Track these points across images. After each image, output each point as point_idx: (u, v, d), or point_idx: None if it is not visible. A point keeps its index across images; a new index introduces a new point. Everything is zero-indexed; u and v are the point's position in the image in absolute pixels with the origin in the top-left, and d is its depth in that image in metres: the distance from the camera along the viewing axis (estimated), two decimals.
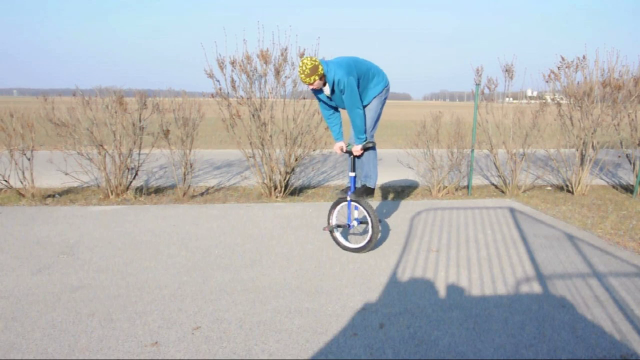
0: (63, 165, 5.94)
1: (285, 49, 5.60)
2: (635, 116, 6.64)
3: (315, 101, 5.95)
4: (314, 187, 6.95)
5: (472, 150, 6.40)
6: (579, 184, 6.51)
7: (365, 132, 3.84)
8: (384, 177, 7.83)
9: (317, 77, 3.55)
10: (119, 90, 5.75)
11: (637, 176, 6.55)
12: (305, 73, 3.51)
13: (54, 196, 5.90)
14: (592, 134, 6.35)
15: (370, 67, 3.84)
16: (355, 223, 4.04)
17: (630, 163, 6.78)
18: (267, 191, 6.06)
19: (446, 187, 6.46)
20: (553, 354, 2.39)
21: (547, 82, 6.52)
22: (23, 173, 5.69)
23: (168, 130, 5.84)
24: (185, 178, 5.97)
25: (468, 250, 4.02)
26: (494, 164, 6.65)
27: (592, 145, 6.42)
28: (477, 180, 7.41)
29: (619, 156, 7.62)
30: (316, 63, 3.52)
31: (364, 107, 3.88)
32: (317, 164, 7.35)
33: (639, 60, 18.14)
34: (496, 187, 7.03)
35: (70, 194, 6.08)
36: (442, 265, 3.65)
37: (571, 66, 6.34)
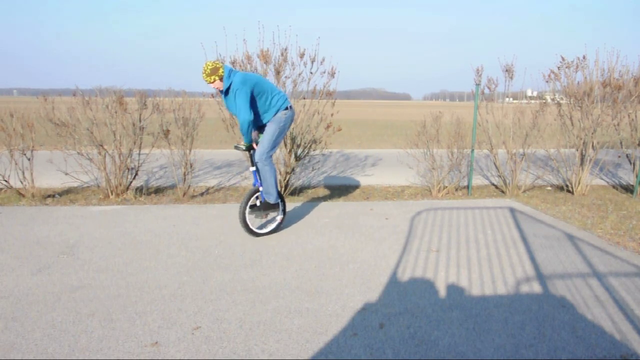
0: (63, 165, 5.94)
1: (285, 49, 5.61)
2: (635, 116, 6.64)
3: (315, 101, 5.96)
4: (314, 187, 6.95)
5: (472, 150, 6.40)
6: (579, 184, 6.51)
7: (247, 136, 4.09)
8: (384, 177, 7.83)
9: (217, 77, 3.93)
10: (119, 90, 5.75)
11: (637, 176, 6.55)
12: (207, 73, 3.91)
13: (54, 196, 5.90)
14: (592, 134, 6.35)
15: (271, 90, 4.14)
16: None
17: (630, 163, 6.78)
18: None
19: (446, 187, 6.46)
20: (553, 354, 2.39)
21: (547, 82, 6.52)
22: (23, 173, 5.69)
23: (168, 130, 5.84)
24: (185, 178, 5.97)
25: (468, 250, 4.02)
26: (494, 164, 6.65)
27: (592, 145, 6.42)
28: (477, 180, 7.41)
29: (619, 156, 7.62)
30: (218, 65, 3.92)
31: (264, 125, 4.24)
32: (317, 164, 7.35)
33: (639, 60, 18.15)
34: (496, 187, 7.03)
35: (70, 194, 6.08)
36: (442, 265, 3.65)
37: (571, 66, 6.34)
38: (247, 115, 3.95)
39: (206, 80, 3.95)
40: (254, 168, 4.33)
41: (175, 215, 5.10)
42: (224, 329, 2.61)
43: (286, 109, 4.20)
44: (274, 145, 4.21)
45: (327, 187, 6.99)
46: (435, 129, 6.28)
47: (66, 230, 4.43)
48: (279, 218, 4.51)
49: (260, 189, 4.33)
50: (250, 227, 4.29)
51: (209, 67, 3.90)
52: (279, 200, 4.41)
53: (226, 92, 4.05)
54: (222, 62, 3.99)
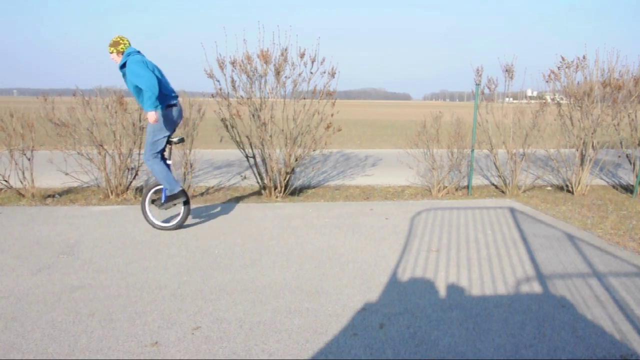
0: (63, 165, 5.93)
1: (286, 49, 5.60)
2: (635, 116, 6.64)
3: (315, 101, 5.96)
4: (314, 187, 6.95)
5: (472, 150, 6.40)
6: (579, 184, 6.51)
7: (157, 99, 4.07)
8: (384, 177, 7.84)
9: (115, 50, 4.12)
10: (119, 90, 5.75)
11: (637, 176, 6.55)
12: (110, 44, 4.14)
13: (54, 196, 5.90)
14: (592, 134, 6.35)
15: (166, 83, 4.27)
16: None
17: (630, 163, 6.78)
18: (267, 191, 6.06)
19: (446, 187, 6.46)
20: (553, 354, 2.39)
21: (547, 82, 6.52)
22: (23, 173, 5.69)
23: None
24: (185, 178, 5.97)
25: (468, 250, 4.02)
26: (494, 164, 6.65)
27: (592, 145, 6.42)
28: (477, 180, 7.41)
29: (619, 156, 7.62)
30: (121, 41, 4.12)
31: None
32: (317, 164, 7.36)
33: (639, 60, 18.16)
34: (496, 187, 7.03)
35: (70, 194, 6.08)
36: (442, 265, 3.65)
37: (571, 66, 6.34)
38: (152, 79, 3.97)
39: (108, 50, 4.17)
40: (170, 162, 4.53)
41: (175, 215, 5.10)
42: (224, 329, 2.61)
43: (166, 107, 4.24)
44: (154, 144, 4.28)
45: (327, 187, 6.99)
46: (435, 129, 6.28)
47: (66, 230, 4.43)
48: (182, 213, 4.51)
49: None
50: (152, 220, 4.49)
51: (113, 40, 4.13)
52: (181, 188, 4.41)
53: (122, 69, 4.16)
54: (129, 43, 4.17)
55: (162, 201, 4.47)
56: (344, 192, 6.56)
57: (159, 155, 4.36)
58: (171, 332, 2.57)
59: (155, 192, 4.55)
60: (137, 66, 4.02)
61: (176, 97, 4.37)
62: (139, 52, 4.19)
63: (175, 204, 4.46)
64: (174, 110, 4.30)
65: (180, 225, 4.54)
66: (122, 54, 4.13)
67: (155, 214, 4.63)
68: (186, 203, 4.52)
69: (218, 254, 3.87)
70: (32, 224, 4.63)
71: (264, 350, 2.40)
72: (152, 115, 4.09)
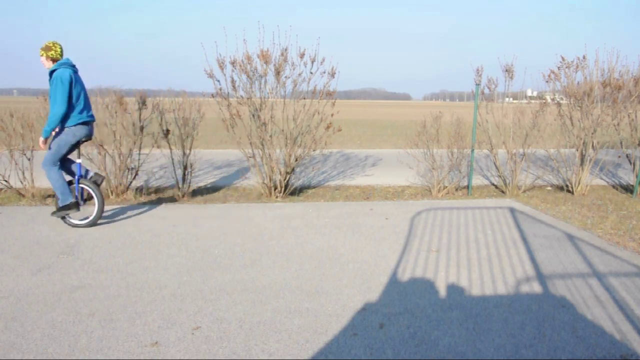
0: None
1: (286, 49, 5.60)
2: (635, 116, 6.64)
3: (315, 101, 5.97)
4: (314, 187, 6.95)
5: (472, 150, 6.40)
6: (579, 184, 6.52)
7: (51, 129, 4.20)
8: (384, 177, 7.83)
9: (45, 54, 4.23)
10: (119, 90, 5.75)
11: (637, 176, 6.55)
12: (42, 47, 4.25)
13: (54, 196, 5.89)
14: (592, 134, 6.35)
15: (82, 101, 4.34)
16: (81, 202, 4.63)
17: (630, 163, 6.78)
18: (267, 191, 6.06)
19: (446, 187, 6.46)
20: (553, 354, 2.39)
21: (547, 82, 6.53)
22: (23, 173, 5.69)
23: (168, 130, 5.84)
24: (185, 178, 5.97)
25: (468, 250, 4.02)
26: (494, 164, 6.65)
27: (592, 145, 6.42)
28: (477, 180, 7.41)
29: (619, 156, 7.62)
30: (53, 47, 4.23)
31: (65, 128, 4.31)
32: (317, 164, 7.36)
33: (639, 60, 18.16)
34: (496, 187, 7.03)
35: None
36: (442, 265, 3.65)
37: (571, 66, 6.35)
38: (63, 108, 4.15)
39: (39, 53, 4.26)
40: (79, 160, 4.58)
41: (175, 215, 5.10)
42: (224, 329, 2.61)
43: (78, 124, 4.31)
44: (57, 153, 4.33)
45: (327, 187, 6.99)
46: (435, 129, 6.28)
47: (66, 230, 4.43)
48: (95, 211, 4.54)
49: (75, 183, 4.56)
50: (69, 219, 4.54)
51: (46, 44, 4.25)
52: (73, 200, 4.43)
53: (50, 76, 4.24)
54: (60, 50, 4.28)
55: (55, 209, 4.48)
56: (344, 192, 6.56)
57: (58, 163, 4.41)
58: (171, 332, 2.57)
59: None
60: (61, 89, 4.12)
61: (92, 120, 4.46)
62: (73, 66, 4.30)
63: (67, 214, 4.49)
64: (84, 129, 4.37)
65: (94, 223, 4.56)
66: (52, 60, 4.25)
67: (72, 214, 4.64)
68: (100, 208, 4.53)
69: (218, 254, 3.87)
70: (32, 224, 4.63)
71: (264, 350, 2.41)
72: (41, 142, 4.26)
